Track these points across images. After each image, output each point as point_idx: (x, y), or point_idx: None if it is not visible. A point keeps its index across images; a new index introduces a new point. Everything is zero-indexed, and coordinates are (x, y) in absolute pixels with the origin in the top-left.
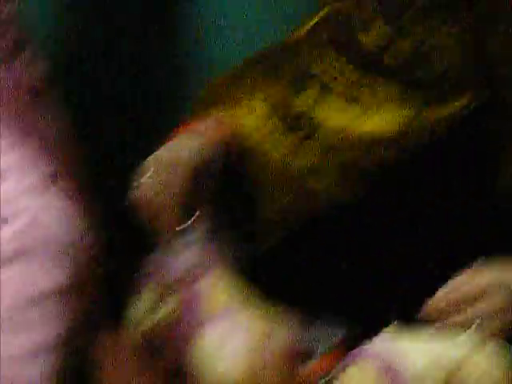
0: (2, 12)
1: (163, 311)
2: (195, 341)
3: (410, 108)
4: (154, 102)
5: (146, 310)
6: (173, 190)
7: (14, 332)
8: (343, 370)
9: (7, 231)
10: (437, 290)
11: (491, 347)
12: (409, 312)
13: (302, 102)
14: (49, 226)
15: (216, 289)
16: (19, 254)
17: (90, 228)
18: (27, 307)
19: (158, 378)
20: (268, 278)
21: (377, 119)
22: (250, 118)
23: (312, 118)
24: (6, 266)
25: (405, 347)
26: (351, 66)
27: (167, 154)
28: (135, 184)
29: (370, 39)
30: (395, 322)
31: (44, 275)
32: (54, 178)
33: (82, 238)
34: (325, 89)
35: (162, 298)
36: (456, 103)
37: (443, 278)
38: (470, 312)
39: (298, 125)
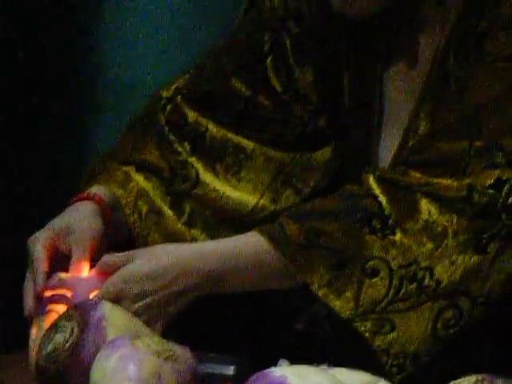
0: None
1: (63, 335)
2: (94, 366)
3: None
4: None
5: (46, 334)
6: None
7: None
8: None
9: None
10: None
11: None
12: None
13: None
14: None
15: (112, 314)
16: None
17: None
18: None
19: None
20: None
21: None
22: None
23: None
24: None
25: (296, 379)
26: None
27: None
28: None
29: None
30: (284, 361)
31: None
32: None
33: None
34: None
35: (62, 322)
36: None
37: None
38: None
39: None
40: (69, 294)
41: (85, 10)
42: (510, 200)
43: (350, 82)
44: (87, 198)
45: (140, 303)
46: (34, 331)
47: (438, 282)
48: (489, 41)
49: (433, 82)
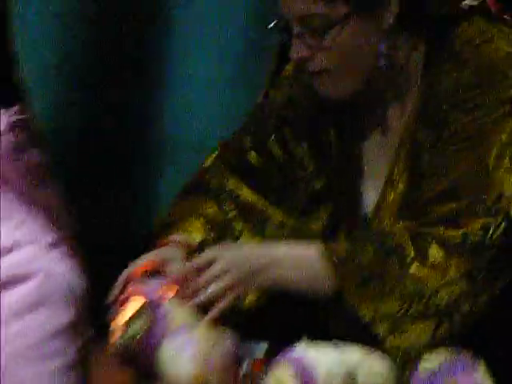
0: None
1: (136, 327)
2: (161, 349)
3: None
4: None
5: (125, 324)
6: None
7: (41, 359)
8: (270, 371)
9: (27, 287)
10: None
11: (377, 353)
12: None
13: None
14: (59, 278)
15: (176, 311)
16: (41, 301)
17: (83, 275)
18: (50, 340)
19: (134, 379)
20: None
21: None
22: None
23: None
24: (32, 311)
25: (313, 355)
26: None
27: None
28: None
29: None
30: (305, 339)
31: (61, 314)
32: (57, 242)
33: (81, 283)
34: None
35: (137, 316)
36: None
37: None
38: None
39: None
40: (143, 293)
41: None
42: (494, 236)
43: (336, 151)
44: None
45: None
46: (116, 323)
47: (440, 302)
48: (450, 121)
49: (404, 149)
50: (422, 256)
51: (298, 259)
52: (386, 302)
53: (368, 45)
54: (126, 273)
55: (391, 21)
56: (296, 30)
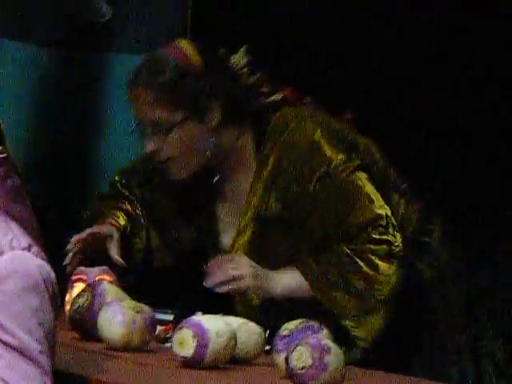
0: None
1: (83, 299)
2: (99, 316)
3: None
4: None
5: (74, 299)
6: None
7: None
8: (175, 332)
9: (11, 280)
10: None
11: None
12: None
13: None
14: (34, 272)
15: (109, 289)
16: (24, 289)
17: (50, 267)
18: (34, 314)
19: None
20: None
21: None
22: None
23: None
24: (18, 297)
25: (207, 321)
26: None
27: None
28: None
29: None
30: (200, 312)
31: (38, 297)
32: (31, 245)
33: (50, 273)
34: None
35: (82, 293)
36: None
37: None
38: None
39: None
40: (85, 277)
41: None
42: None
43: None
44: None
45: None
46: (67, 298)
47: (385, 296)
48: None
49: (251, 205)
50: (371, 267)
51: (289, 280)
52: (350, 303)
53: (200, 140)
54: (74, 239)
55: (216, 122)
56: (147, 130)
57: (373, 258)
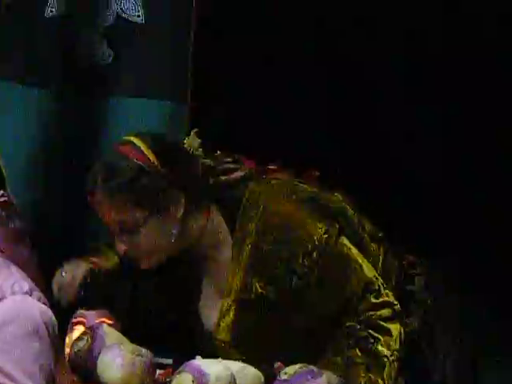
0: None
1: (82, 342)
2: (99, 359)
3: None
4: None
5: (73, 341)
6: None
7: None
8: (175, 376)
9: (14, 325)
10: None
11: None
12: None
13: None
14: (35, 317)
15: (109, 333)
16: (25, 334)
17: (51, 311)
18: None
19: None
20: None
21: None
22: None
23: None
24: (20, 340)
25: (206, 364)
26: None
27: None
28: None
29: None
30: (199, 356)
31: (38, 340)
32: (32, 289)
33: (50, 318)
34: None
35: (82, 335)
36: None
37: None
38: None
39: None
40: (85, 320)
41: None
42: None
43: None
44: None
45: None
46: (67, 340)
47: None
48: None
49: (232, 289)
50: (384, 332)
51: None
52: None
53: (166, 233)
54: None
55: (180, 213)
56: (115, 231)
57: (382, 323)
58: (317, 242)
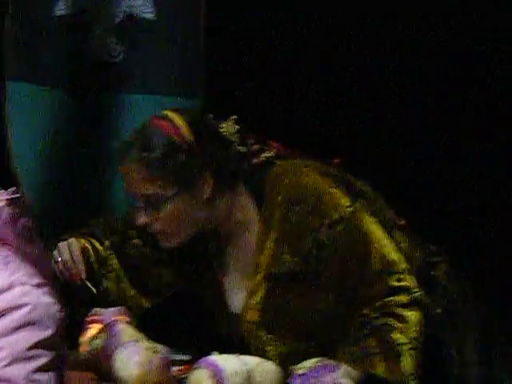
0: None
1: (98, 341)
2: (115, 357)
3: None
4: None
5: (89, 340)
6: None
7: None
8: (191, 371)
9: (20, 313)
10: None
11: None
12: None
13: None
14: (43, 308)
15: (125, 330)
16: (30, 323)
17: (60, 306)
18: (35, 347)
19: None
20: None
21: None
22: None
23: None
24: (23, 328)
25: (222, 360)
26: None
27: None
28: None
29: None
30: (215, 352)
31: (44, 332)
32: (41, 284)
33: (59, 312)
34: None
35: (97, 334)
36: None
37: None
38: None
39: None
40: (101, 318)
41: None
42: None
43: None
44: None
45: None
46: (82, 338)
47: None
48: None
49: (260, 264)
50: (400, 319)
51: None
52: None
53: (192, 213)
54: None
55: (208, 194)
56: (139, 203)
57: (398, 310)
58: (342, 213)
